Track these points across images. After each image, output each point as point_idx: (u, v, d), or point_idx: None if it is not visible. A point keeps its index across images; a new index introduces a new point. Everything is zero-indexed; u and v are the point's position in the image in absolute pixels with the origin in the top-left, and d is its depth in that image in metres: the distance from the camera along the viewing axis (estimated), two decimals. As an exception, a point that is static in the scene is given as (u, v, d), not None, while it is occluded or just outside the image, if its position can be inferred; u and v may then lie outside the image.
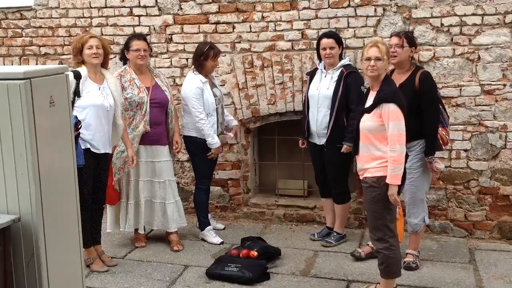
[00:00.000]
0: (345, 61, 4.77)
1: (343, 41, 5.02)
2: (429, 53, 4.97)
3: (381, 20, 5.05)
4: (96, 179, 4.43)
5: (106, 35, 5.73)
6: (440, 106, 4.40)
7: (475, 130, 4.98)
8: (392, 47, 4.30)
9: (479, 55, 4.89)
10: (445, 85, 4.97)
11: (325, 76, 4.78)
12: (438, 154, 4.46)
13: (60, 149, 2.96)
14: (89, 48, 4.32)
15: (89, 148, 4.29)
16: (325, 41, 4.72)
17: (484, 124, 4.95)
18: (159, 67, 5.62)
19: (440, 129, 4.34)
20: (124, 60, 4.89)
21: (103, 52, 4.39)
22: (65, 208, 3.01)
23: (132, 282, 4.30)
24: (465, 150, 5.02)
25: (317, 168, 5.04)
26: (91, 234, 4.48)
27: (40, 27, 5.94)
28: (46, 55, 5.97)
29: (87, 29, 5.78)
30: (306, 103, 4.91)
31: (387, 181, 3.59)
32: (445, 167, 5.05)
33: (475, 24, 4.86)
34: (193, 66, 5.01)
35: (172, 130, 4.95)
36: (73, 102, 4.20)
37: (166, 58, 5.64)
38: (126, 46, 4.81)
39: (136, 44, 4.76)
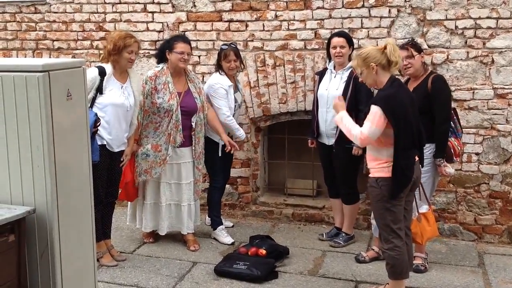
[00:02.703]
0: None
1: (357, 41, 5.04)
2: (442, 55, 4.96)
3: (395, 21, 5.04)
4: (110, 175, 4.44)
5: (119, 30, 5.75)
6: (455, 117, 4.39)
7: (487, 134, 4.97)
8: (404, 60, 4.23)
9: (492, 59, 4.87)
10: (458, 88, 4.96)
11: (334, 77, 4.78)
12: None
13: (76, 142, 2.97)
14: (130, 53, 4.29)
15: (105, 145, 4.31)
16: (335, 40, 4.72)
17: (496, 128, 4.94)
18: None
19: (452, 138, 4.33)
20: (160, 59, 4.77)
21: None
22: (80, 201, 3.03)
23: (140, 277, 4.31)
24: (477, 154, 5.01)
25: (326, 168, 5.04)
26: (102, 228, 4.49)
27: (54, 21, 5.96)
28: (60, 49, 5.99)
29: (101, 24, 5.81)
30: (315, 103, 4.91)
31: (336, 118, 3.82)
32: (456, 170, 5.04)
33: (489, 27, 4.85)
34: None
35: (200, 138, 4.81)
36: (94, 99, 4.21)
37: (178, 55, 5.64)
38: (169, 46, 4.67)
39: (180, 46, 4.63)
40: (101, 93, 4.24)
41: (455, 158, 4.38)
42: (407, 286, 4.02)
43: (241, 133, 5.02)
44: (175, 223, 4.90)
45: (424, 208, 4.04)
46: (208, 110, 4.82)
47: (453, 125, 4.36)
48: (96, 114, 4.04)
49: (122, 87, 4.36)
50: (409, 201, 3.84)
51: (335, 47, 4.71)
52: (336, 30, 5.03)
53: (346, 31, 5.04)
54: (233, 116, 4.99)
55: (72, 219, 2.97)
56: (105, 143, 4.30)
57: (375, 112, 3.56)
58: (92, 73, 4.19)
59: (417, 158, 3.76)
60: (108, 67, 4.30)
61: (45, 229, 2.84)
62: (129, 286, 4.17)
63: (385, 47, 3.65)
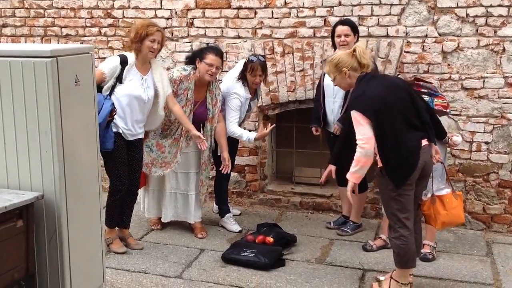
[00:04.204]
0: None
1: (366, 29, 5.00)
2: (453, 43, 4.91)
3: (406, 9, 4.99)
4: (129, 163, 4.41)
5: (127, 17, 5.74)
6: (421, 83, 4.33)
7: (497, 123, 4.92)
8: (342, 36, 4.61)
9: (504, 47, 4.82)
10: (469, 76, 4.91)
11: None
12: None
13: (84, 128, 2.98)
14: (152, 41, 4.22)
15: (120, 133, 4.28)
16: (340, 28, 4.67)
17: (507, 117, 4.89)
18: (179, 52, 5.62)
19: (434, 100, 4.26)
20: (190, 63, 4.68)
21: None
22: (88, 187, 3.04)
23: (148, 264, 4.33)
24: (486, 143, 4.97)
25: None
26: (120, 216, 4.51)
27: (63, 8, 5.95)
28: (68, 36, 5.98)
29: (109, 11, 5.79)
30: (322, 92, 4.87)
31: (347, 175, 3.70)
32: (465, 159, 5.03)
33: (501, 16, 4.79)
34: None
35: (208, 148, 4.74)
36: (114, 87, 4.18)
37: (186, 42, 5.63)
38: (200, 55, 4.56)
39: (211, 58, 4.51)
40: (121, 82, 4.20)
41: (447, 110, 4.34)
42: (414, 275, 4.03)
43: (247, 138, 4.82)
44: (181, 212, 4.91)
45: (443, 191, 3.96)
46: (218, 123, 4.75)
47: (426, 90, 4.30)
48: (112, 104, 4.02)
49: (142, 78, 4.30)
50: (419, 189, 3.78)
51: (339, 36, 4.65)
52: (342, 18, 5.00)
53: (356, 18, 5.02)
54: (242, 121, 5.00)
55: (80, 205, 2.98)
56: (120, 131, 4.28)
57: (354, 117, 3.58)
58: (113, 62, 4.18)
59: (425, 142, 3.68)
60: (130, 57, 4.25)
61: (53, 214, 2.86)
62: (137, 272, 4.19)
63: (354, 51, 3.68)
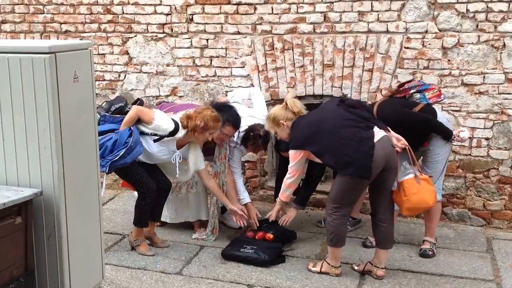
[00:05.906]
0: None
1: (366, 25, 4.96)
2: (453, 39, 4.89)
3: (406, 4, 4.97)
4: (146, 166, 4.43)
5: (126, 13, 5.72)
6: (406, 85, 4.36)
7: (497, 119, 4.91)
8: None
9: (504, 43, 4.80)
10: (469, 72, 4.90)
11: None
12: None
13: (83, 124, 2.97)
14: (210, 134, 4.32)
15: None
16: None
17: (507, 113, 4.88)
18: (179, 48, 5.61)
19: (426, 94, 4.32)
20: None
21: None
22: (87, 183, 3.03)
23: (148, 260, 4.33)
24: (486, 139, 4.96)
25: None
26: (151, 213, 4.48)
27: (62, 4, 5.93)
28: (67, 32, 5.97)
29: (108, 7, 5.77)
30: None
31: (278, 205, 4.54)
32: (465, 155, 5.02)
33: (501, 11, 4.77)
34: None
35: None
36: (147, 134, 4.22)
37: (186, 39, 5.61)
38: (223, 122, 4.47)
39: (228, 130, 4.51)
40: (156, 140, 4.24)
41: (442, 96, 4.42)
42: (414, 271, 4.07)
43: (242, 197, 4.85)
44: (195, 211, 4.90)
45: (406, 177, 3.94)
46: (227, 176, 4.75)
47: (414, 89, 4.35)
48: (141, 151, 4.14)
49: (174, 152, 4.34)
50: (389, 183, 3.91)
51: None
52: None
53: (356, 14, 5.03)
54: None
55: (79, 201, 2.98)
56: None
57: (291, 155, 4.07)
58: (167, 125, 4.20)
59: (381, 134, 3.80)
60: (181, 132, 4.25)
61: (52, 211, 2.85)
62: (137, 269, 4.19)
63: (286, 104, 4.15)
